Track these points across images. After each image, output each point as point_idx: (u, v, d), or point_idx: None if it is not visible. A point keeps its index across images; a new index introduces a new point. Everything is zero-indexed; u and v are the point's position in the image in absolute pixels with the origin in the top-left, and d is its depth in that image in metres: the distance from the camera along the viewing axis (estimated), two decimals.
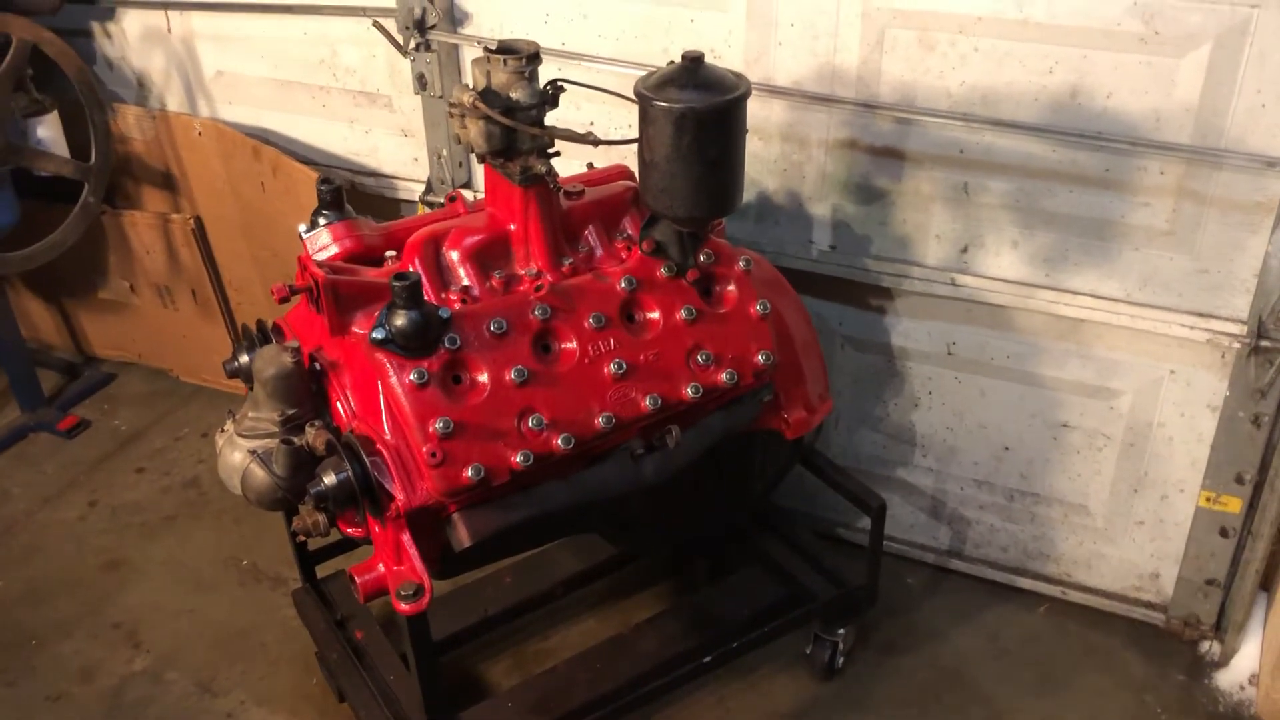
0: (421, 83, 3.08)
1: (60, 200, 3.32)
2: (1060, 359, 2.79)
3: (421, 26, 2.98)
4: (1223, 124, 2.39)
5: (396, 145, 3.36)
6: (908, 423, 3.06)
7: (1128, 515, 2.90)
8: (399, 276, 1.95)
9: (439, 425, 1.96)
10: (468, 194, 2.44)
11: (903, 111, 2.65)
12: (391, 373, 1.98)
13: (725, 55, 2.79)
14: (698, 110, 1.90)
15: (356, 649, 2.65)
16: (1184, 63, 2.37)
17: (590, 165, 2.59)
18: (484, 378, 2.04)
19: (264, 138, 3.41)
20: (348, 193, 3.28)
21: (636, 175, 2.10)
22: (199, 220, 3.54)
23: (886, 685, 2.83)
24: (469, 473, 1.99)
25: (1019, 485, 3.00)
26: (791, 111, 2.77)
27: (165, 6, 3.41)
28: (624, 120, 2.95)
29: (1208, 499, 2.74)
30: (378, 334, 1.97)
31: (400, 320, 1.95)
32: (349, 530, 2.21)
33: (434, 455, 1.96)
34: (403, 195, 3.37)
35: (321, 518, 2.19)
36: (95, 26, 3.58)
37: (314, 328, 2.22)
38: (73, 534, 3.37)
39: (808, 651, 2.83)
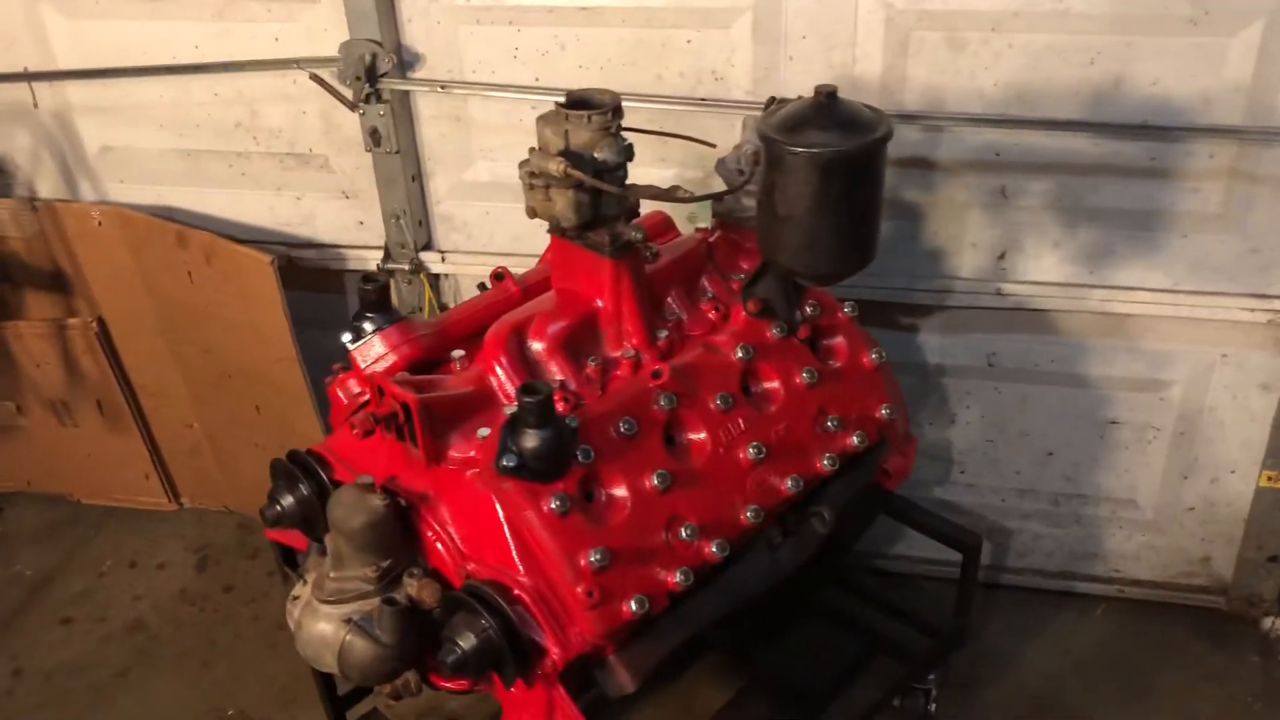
0: (375, 138, 2.69)
1: None
2: (1107, 356, 2.69)
3: (372, 75, 2.60)
4: (1275, 101, 2.31)
5: (337, 210, 2.95)
6: (944, 440, 2.91)
7: (1177, 503, 2.84)
8: (527, 389, 1.62)
9: (594, 558, 1.65)
10: (460, 269, 2.10)
11: (934, 119, 2.48)
12: (527, 504, 1.65)
13: (728, 76, 2.55)
14: (848, 154, 1.65)
15: None
16: (1235, 41, 2.29)
17: None
18: (622, 491, 1.74)
19: (169, 217, 2.93)
20: (284, 269, 2.91)
21: (760, 229, 1.83)
22: (102, 322, 3.03)
23: None
24: (631, 607, 1.68)
25: (1064, 489, 2.89)
26: None
27: (29, 79, 2.88)
28: None
29: (1269, 478, 2.70)
30: (508, 461, 1.63)
31: (532, 441, 1.62)
32: (446, 685, 1.86)
33: (590, 594, 1.65)
34: (351, 265, 2.97)
35: (414, 676, 1.85)
36: None
37: (375, 453, 1.85)
38: (1, 715, 2.82)
39: (896, 703, 2.63)
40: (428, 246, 2.91)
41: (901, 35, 2.43)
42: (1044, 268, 2.61)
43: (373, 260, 2.91)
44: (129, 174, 3.00)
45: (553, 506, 1.65)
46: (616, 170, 1.81)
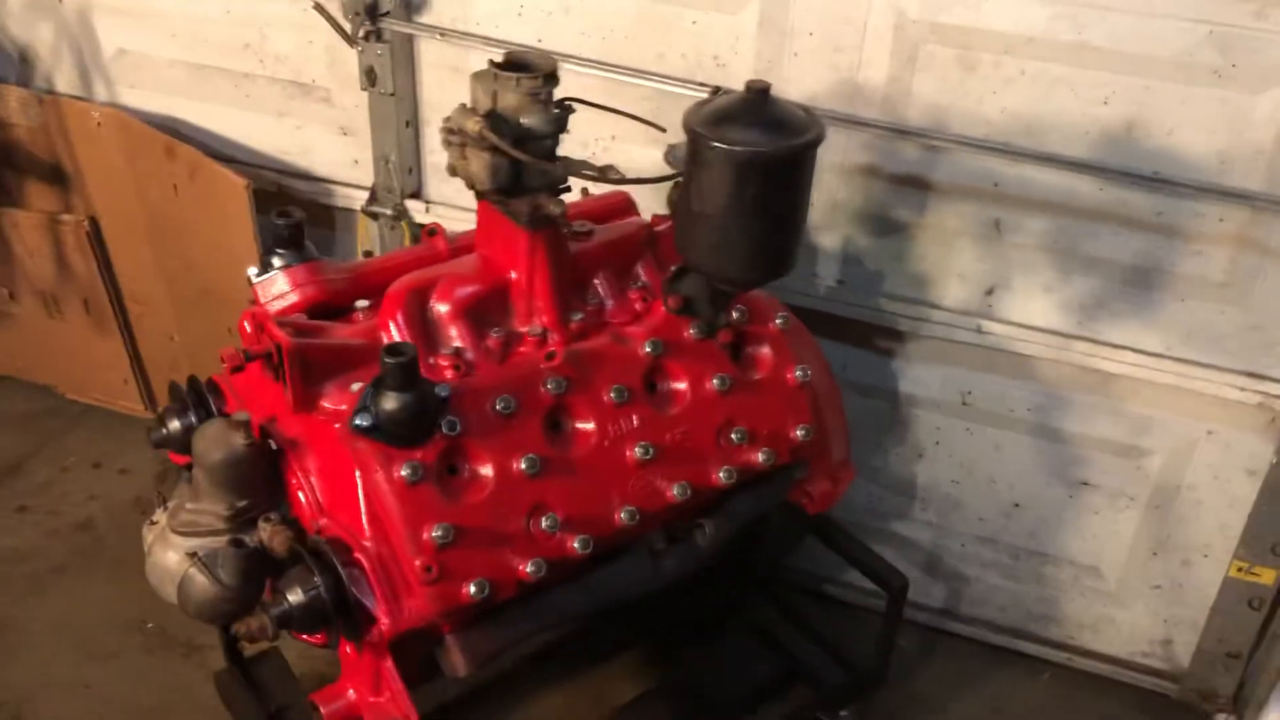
0: (370, 78, 2.65)
1: None
2: (1087, 414, 2.55)
3: (373, 13, 2.56)
4: None
5: (334, 145, 2.92)
6: (908, 474, 2.79)
7: (1144, 579, 2.69)
8: (391, 350, 1.56)
9: (437, 533, 1.59)
10: (447, 223, 2.05)
11: (935, 139, 2.35)
12: (378, 467, 1.60)
13: (730, 64, 2.46)
14: (767, 156, 1.56)
15: None
16: (1261, 100, 2.13)
17: (585, 192, 2.22)
18: (487, 470, 1.68)
19: (174, 129, 2.93)
20: (274, 196, 2.90)
21: (676, 222, 1.74)
22: (94, 222, 3.05)
23: None
24: (470, 589, 1.62)
25: (1027, 544, 2.76)
26: None
27: None
28: (606, 130, 2.59)
29: (1239, 569, 2.53)
30: (362, 420, 1.58)
31: (391, 404, 1.57)
32: (303, 637, 1.82)
33: (429, 570, 1.59)
34: (340, 202, 2.94)
35: (269, 621, 1.81)
36: None
37: (265, 393, 1.82)
38: None
39: None
40: (416, 194, 2.86)
41: (911, 46, 2.31)
42: (1031, 311, 2.48)
43: (360, 200, 2.88)
44: (140, 80, 3.00)
45: (403, 474, 1.59)
46: (544, 139, 1.73)
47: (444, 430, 1.64)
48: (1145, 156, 2.23)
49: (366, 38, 2.59)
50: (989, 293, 2.49)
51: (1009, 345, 2.50)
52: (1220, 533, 2.56)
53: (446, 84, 2.71)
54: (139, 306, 3.21)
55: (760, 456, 1.90)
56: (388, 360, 1.55)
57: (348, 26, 2.59)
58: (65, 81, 3.07)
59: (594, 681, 2.71)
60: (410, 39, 2.67)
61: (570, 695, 2.68)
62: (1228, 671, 2.66)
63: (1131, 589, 2.71)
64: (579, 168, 1.76)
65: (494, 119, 1.69)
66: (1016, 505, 2.72)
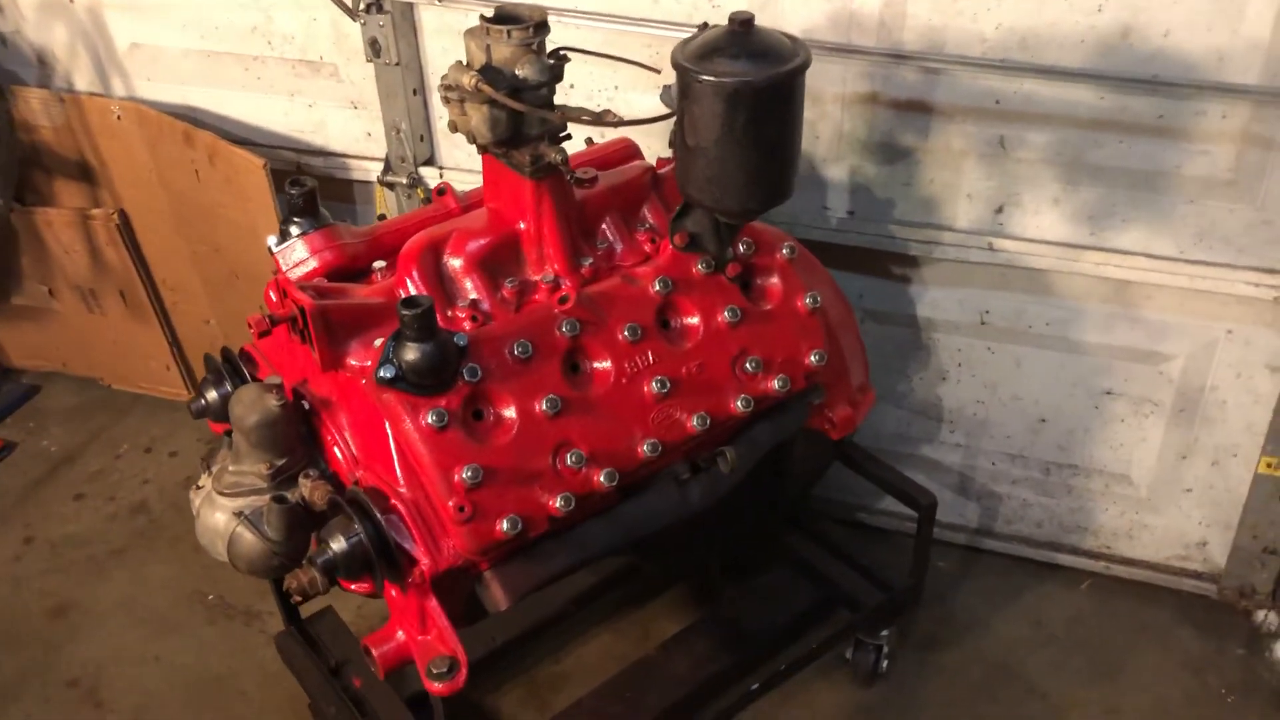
0: (374, 49, 2.70)
1: None
2: (1105, 323, 2.57)
3: None
4: None
5: (346, 119, 2.98)
6: (933, 398, 2.83)
7: (1174, 483, 2.72)
8: (407, 303, 1.62)
9: (466, 474, 1.66)
10: (461, 188, 2.11)
11: (932, 60, 2.37)
12: (405, 416, 1.67)
13: (725, 4, 2.48)
14: (755, 85, 1.60)
15: (356, 699, 2.35)
16: None
17: (589, 141, 2.27)
18: (510, 412, 1.74)
19: (192, 117, 3.00)
20: (292, 174, 2.96)
21: (675, 160, 1.79)
22: (124, 215, 3.13)
23: (935, 686, 2.62)
24: (503, 526, 1.69)
25: (1056, 457, 2.79)
26: None
27: None
28: (608, 81, 2.63)
29: (1268, 465, 2.56)
30: (385, 372, 1.65)
31: (412, 354, 1.63)
32: (351, 587, 1.90)
33: (462, 510, 1.66)
34: (356, 176, 3.01)
35: (319, 575, 1.89)
36: None
37: (295, 356, 1.90)
38: (9, 576, 3.00)
39: (848, 656, 2.60)
40: (430, 161, 2.92)
41: None
42: (1042, 225, 2.50)
43: (376, 172, 2.94)
44: (156, 72, 3.07)
45: (429, 420, 1.66)
46: (539, 89, 1.78)
47: (465, 377, 1.70)
48: (1143, 61, 2.24)
49: (368, 10, 2.64)
50: (999, 211, 2.51)
51: (1022, 261, 2.53)
52: (1247, 431, 2.58)
53: (450, 49, 2.75)
54: (174, 294, 3.30)
55: (776, 384, 1.95)
56: (405, 312, 1.61)
57: (349, 0, 2.65)
58: (83, 79, 3.15)
59: (639, 620, 2.80)
60: (411, 7, 2.71)
61: (617, 633, 2.77)
62: (1264, 568, 2.69)
63: (1163, 494, 2.74)
64: (576, 114, 1.80)
65: (488, 72, 1.73)
66: (1043, 420, 2.75)
